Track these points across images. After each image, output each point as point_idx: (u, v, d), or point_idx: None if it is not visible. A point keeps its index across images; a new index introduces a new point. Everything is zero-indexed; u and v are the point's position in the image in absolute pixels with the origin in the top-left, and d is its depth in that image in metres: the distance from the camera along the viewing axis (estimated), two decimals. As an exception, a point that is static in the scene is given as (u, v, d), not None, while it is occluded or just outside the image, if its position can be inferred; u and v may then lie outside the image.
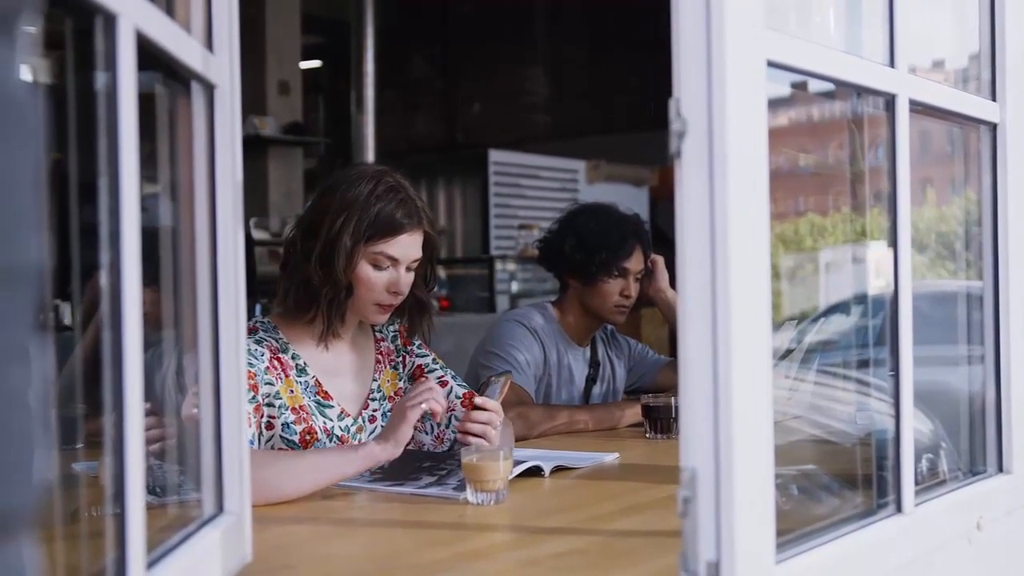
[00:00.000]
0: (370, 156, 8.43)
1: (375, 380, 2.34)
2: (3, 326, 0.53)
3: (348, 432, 2.24)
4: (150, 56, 1.12)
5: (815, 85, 1.54)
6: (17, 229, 0.54)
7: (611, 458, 2.35)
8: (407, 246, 2.20)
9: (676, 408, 2.64)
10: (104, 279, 1.01)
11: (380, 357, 2.37)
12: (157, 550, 1.16)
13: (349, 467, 1.95)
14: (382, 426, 2.28)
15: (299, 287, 2.19)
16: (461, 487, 1.90)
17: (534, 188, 8.38)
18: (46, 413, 0.58)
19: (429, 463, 2.12)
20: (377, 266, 2.19)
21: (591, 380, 3.13)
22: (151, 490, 1.25)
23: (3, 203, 0.53)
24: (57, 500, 1.16)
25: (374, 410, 2.32)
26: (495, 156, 8.27)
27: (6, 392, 0.53)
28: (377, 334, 2.40)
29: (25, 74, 0.55)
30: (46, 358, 0.58)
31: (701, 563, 1.17)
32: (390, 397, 2.35)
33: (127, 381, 1.01)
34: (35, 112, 0.56)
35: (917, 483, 1.56)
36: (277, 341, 2.20)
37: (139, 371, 1.02)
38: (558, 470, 2.18)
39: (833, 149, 2.02)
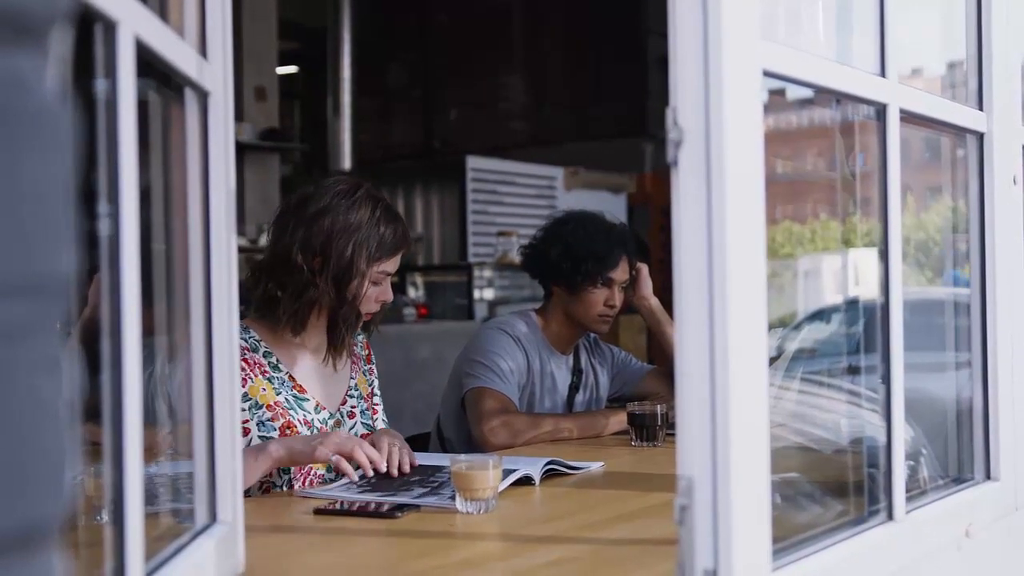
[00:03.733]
0: (347, 163, 8.41)
1: (352, 378, 2.43)
2: (35, 336, 0.53)
3: (326, 424, 2.31)
4: (145, 63, 1.11)
5: (793, 93, 1.54)
6: (49, 239, 0.53)
7: (597, 467, 2.35)
8: (399, 260, 2.34)
9: (662, 416, 2.64)
10: (104, 286, 1.00)
11: (355, 359, 2.46)
12: (152, 560, 1.15)
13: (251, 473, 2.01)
14: (361, 422, 2.39)
15: (308, 307, 2.25)
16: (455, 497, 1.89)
17: (512, 195, 8.38)
18: (75, 424, 0.57)
19: (418, 476, 2.12)
20: (375, 283, 2.29)
21: (574, 388, 3.13)
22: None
23: (36, 213, 0.52)
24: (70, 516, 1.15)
25: (352, 406, 2.40)
26: (473, 163, 8.26)
27: (38, 402, 0.53)
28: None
29: (56, 85, 0.55)
30: (74, 369, 0.58)
31: (698, 571, 1.17)
32: (365, 396, 2.44)
33: (126, 390, 1.00)
34: (67, 120, 0.55)
35: (906, 491, 1.56)
36: (247, 340, 2.23)
37: (138, 380, 1.01)
38: (550, 474, 2.19)
39: (811, 156, 2.03)
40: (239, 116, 7.43)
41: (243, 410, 2.16)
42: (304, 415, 2.26)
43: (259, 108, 7.72)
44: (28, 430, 0.53)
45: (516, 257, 3.17)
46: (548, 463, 2.19)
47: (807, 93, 1.57)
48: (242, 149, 7.45)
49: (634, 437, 2.66)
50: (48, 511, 0.55)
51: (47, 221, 0.53)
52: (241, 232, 6.93)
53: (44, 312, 0.54)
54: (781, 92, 1.51)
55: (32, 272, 0.52)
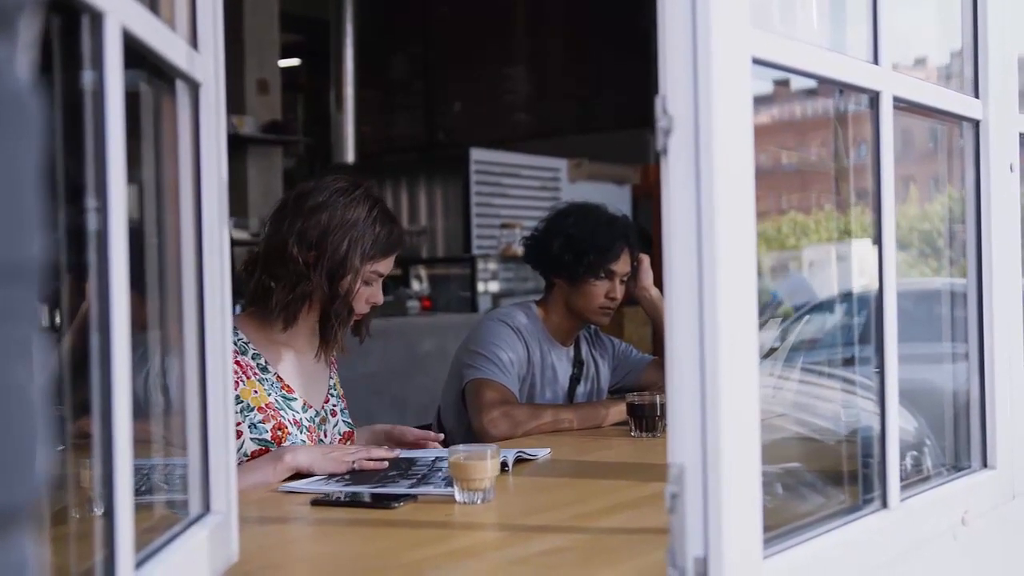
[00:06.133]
0: (350, 156, 8.42)
1: (331, 379, 2.46)
2: (7, 321, 0.53)
3: (314, 423, 2.34)
4: (135, 54, 1.11)
5: (797, 83, 1.54)
6: (20, 226, 0.54)
7: (543, 453, 2.37)
8: (392, 263, 2.36)
9: (661, 406, 2.64)
10: (91, 280, 1.00)
11: (333, 360, 2.49)
12: (145, 550, 1.15)
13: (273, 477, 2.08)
14: (343, 420, 2.44)
15: (299, 300, 2.26)
16: (450, 483, 1.90)
17: (516, 187, 8.38)
18: (48, 410, 0.58)
19: (395, 471, 2.12)
20: (367, 282, 2.31)
21: (575, 379, 3.13)
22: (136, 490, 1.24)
23: (6, 200, 0.53)
24: (44, 501, 1.15)
25: (333, 405, 2.44)
26: (476, 155, 8.26)
27: (10, 388, 0.53)
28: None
29: (25, 72, 0.55)
30: (47, 355, 0.58)
31: (689, 559, 1.17)
32: (342, 396, 2.48)
33: (115, 381, 1.00)
34: (36, 108, 0.56)
35: (902, 479, 1.56)
36: (235, 343, 2.24)
37: (127, 371, 1.02)
38: (518, 461, 2.23)
39: (816, 147, 2.03)
40: (241, 109, 7.43)
41: (235, 412, 2.17)
42: (293, 415, 2.28)
43: (261, 101, 7.73)
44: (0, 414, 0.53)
45: (519, 249, 3.19)
46: (517, 457, 2.24)
47: (811, 83, 1.57)
48: (244, 142, 7.45)
49: (633, 427, 2.66)
50: (19, 495, 0.55)
51: (18, 208, 0.54)
52: (244, 226, 6.93)
53: (16, 298, 0.54)
54: (786, 83, 1.51)
55: (3, 258, 0.53)
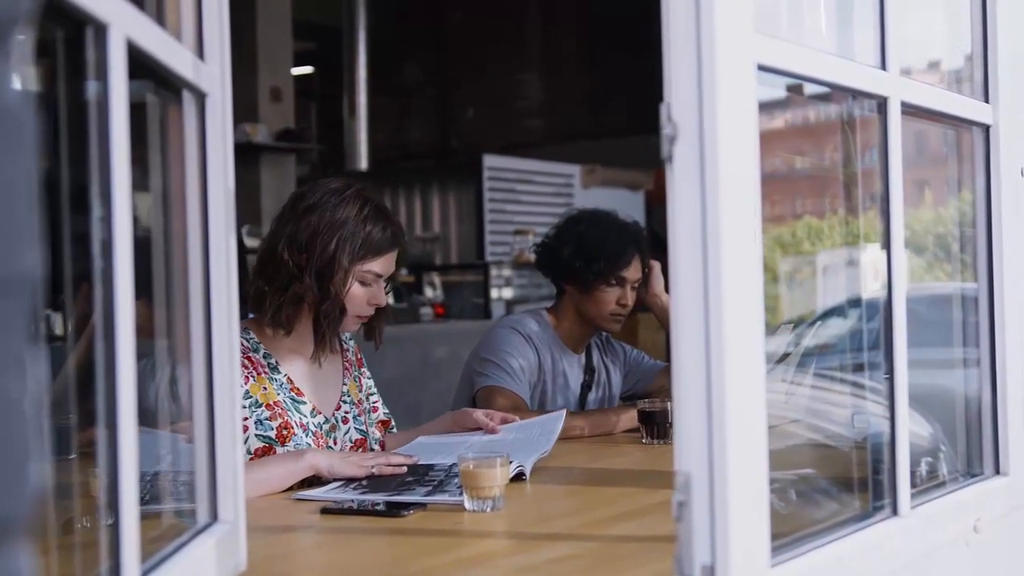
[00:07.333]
0: (363, 163, 8.42)
1: (345, 385, 2.45)
2: (0, 335, 0.53)
3: (321, 429, 2.33)
4: (140, 64, 1.12)
5: (810, 87, 1.54)
6: (14, 239, 0.54)
7: (558, 415, 2.41)
8: (390, 262, 2.34)
9: (672, 413, 2.63)
10: (97, 289, 1.01)
11: (347, 365, 2.48)
12: (152, 559, 1.15)
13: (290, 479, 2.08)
14: (355, 428, 2.42)
15: (291, 303, 2.26)
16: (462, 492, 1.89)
17: (529, 193, 8.38)
18: (42, 422, 0.58)
19: (412, 477, 2.11)
20: (363, 283, 2.30)
21: (587, 386, 3.12)
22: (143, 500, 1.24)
23: (0, 213, 0.53)
24: (51, 510, 1.16)
25: (346, 412, 2.42)
26: (489, 161, 8.27)
27: (3, 401, 0.54)
28: (342, 344, 2.50)
29: (20, 83, 0.56)
30: (41, 368, 0.59)
31: (696, 567, 1.17)
32: (357, 402, 2.46)
33: (120, 391, 1.01)
34: (30, 122, 0.56)
35: (916, 486, 1.56)
36: (248, 341, 2.29)
37: (132, 380, 1.02)
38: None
39: (830, 151, 2.02)
40: (254, 117, 7.44)
41: (243, 407, 2.18)
42: (300, 418, 2.28)
43: (274, 109, 7.73)
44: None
45: (532, 255, 3.20)
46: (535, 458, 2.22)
47: (824, 88, 1.56)
48: (258, 150, 7.47)
49: (644, 434, 2.65)
50: (14, 507, 0.55)
51: (12, 221, 0.54)
52: (257, 234, 6.93)
53: (10, 311, 0.54)
54: (799, 87, 1.51)
55: (-1, 271, 0.53)
